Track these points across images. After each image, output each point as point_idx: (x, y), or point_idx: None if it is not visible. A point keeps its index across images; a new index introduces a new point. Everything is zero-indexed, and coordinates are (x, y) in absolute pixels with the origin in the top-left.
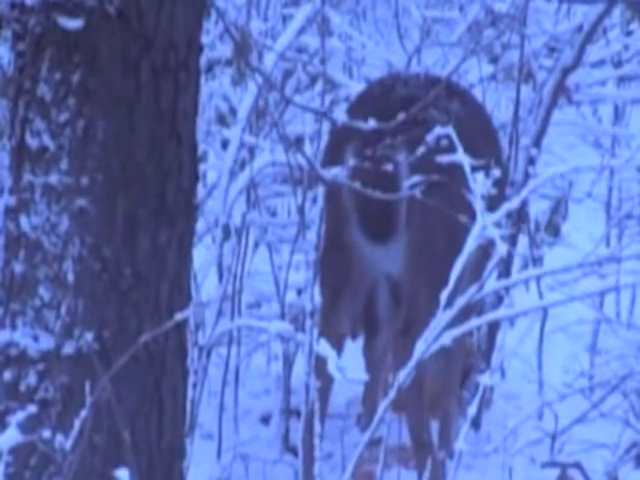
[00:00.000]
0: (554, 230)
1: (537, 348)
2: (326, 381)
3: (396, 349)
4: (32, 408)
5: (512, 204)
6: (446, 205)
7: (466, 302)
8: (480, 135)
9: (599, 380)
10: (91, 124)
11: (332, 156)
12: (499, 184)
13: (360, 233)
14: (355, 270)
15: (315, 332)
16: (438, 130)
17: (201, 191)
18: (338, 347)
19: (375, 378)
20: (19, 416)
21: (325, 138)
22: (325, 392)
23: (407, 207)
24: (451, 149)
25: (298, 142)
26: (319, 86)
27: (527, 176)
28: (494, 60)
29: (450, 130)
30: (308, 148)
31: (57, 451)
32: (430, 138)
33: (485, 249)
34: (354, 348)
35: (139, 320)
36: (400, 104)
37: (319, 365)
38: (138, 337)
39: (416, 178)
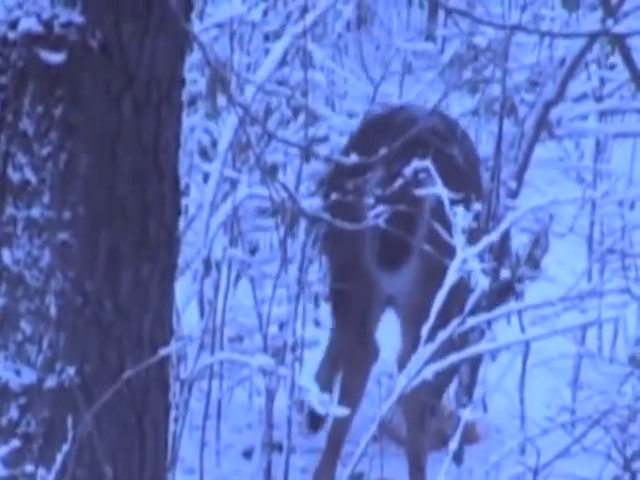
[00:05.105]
0: (534, 263)
1: (519, 382)
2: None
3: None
4: (14, 442)
5: (491, 237)
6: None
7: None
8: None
9: (581, 415)
10: (73, 158)
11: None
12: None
13: (376, 260)
14: (375, 298)
15: (297, 367)
16: (416, 163)
17: (181, 224)
18: (365, 381)
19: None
20: (1, 450)
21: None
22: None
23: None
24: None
25: (275, 172)
26: (301, 119)
27: (508, 210)
28: (475, 92)
29: (428, 164)
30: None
31: None
32: (408, 172)
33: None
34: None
35: (121, 354)
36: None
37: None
38: (120, 371)
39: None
